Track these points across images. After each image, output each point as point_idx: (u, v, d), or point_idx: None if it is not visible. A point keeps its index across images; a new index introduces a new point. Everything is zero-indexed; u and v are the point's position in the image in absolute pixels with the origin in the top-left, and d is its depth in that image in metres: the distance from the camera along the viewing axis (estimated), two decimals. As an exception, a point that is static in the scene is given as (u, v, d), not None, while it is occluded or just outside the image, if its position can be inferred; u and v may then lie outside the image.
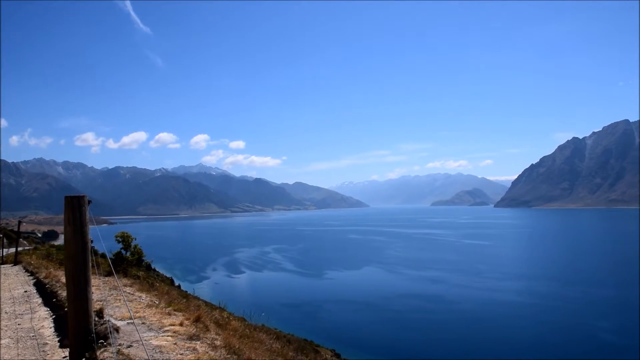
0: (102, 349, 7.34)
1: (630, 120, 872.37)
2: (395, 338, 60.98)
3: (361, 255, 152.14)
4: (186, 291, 36.10)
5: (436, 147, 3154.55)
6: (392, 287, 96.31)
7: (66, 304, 8.46)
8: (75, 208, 6.51)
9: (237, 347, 9.32)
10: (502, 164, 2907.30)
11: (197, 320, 10.68)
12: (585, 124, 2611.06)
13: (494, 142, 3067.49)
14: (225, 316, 15.15)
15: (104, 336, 7.65)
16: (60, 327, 10.86)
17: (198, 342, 8.97)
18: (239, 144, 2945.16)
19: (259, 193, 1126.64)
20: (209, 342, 9.13)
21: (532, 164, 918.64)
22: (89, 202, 5.99)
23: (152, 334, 9.40)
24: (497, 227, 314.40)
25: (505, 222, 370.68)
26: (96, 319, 7.59)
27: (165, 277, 65.97)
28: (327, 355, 38.98)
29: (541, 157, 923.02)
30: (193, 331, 9.70)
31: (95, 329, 6.37)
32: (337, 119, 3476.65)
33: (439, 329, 64.84)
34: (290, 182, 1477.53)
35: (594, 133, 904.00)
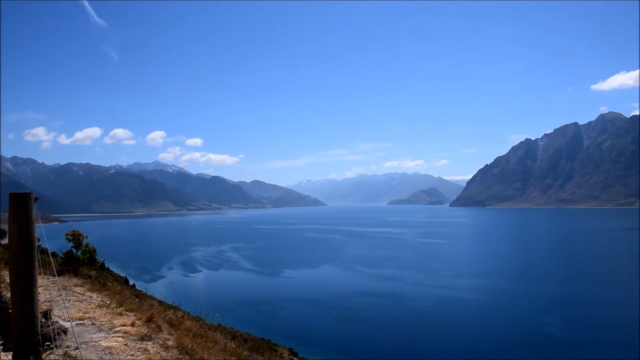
0: (48, 352, 7.07)
1: (580, 123, 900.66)
2: (353, 335, 61.32)
3: (319, 254, 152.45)
4: (140, 290, 35.49)
5: (393, 146, 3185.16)
6: (349, 285, 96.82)
7: (11, 306, 8.16)
8: (20, 205, 6.23)
9: (190, 347, 9.19)
10: (458, 164, 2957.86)
11: (150, 320, 10.49)
12: (538, 126, 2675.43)
13: (449, 142, 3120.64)
14: (179, 316, 14.92)
15: (50, 338, 7.33)
16: (4, 330, 10.49)
17: (150, 343, 8.81)
18: (196, 141, 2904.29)
19: (216, 191, 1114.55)
20: (161, 342, 8.98)
21: (487, 165, 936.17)
22: (36, 199, 5.67)
23: (102, 335, 9.16)
24: (452, 225, 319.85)
25: (460, 221, 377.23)
26: (43, 320, 7.26)
27: (119, 276, 64.50)
28: (284, 354, 38.90)
29: (495, 157, 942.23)
30: (145, 331, 9.52)
31: (41, 331, 6.07)
32: (296, 117, 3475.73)
33: (396, 325, 65.54)
34: (248, 180, 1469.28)
35: (545, 135, 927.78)
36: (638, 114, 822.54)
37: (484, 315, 71.31)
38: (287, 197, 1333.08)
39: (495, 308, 75.74)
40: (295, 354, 42.37)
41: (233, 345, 14.08)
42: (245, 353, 14.25)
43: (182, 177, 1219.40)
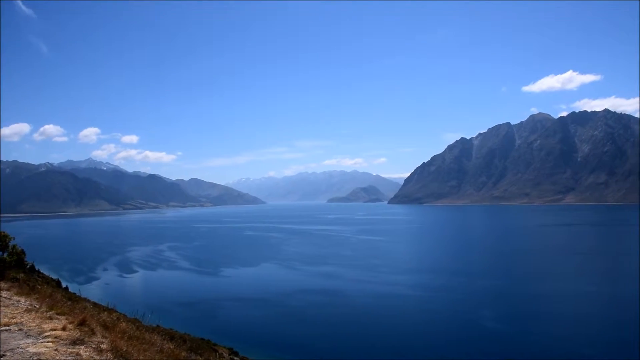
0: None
1: (512, 123, 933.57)
2: (294, 333, 61.24)
3: (258, 252, 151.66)
4: (74, 293, 34.16)
5: (333, 144, 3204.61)
6: (289, 283, 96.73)
7: None
8: None
9: (125, 349, 8.81)
10: (396, 162, 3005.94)
11: (82, 323, 10.01)
12: (473, 125, 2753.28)
13: (388, 141, 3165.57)
14: (114, 318, 14.40)
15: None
16: None
17: (82, 347, 8.37)
18: (132, 138, 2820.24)
19: (153, 189, 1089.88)
20: (94, 346, 8.56)
21: (424, 163, 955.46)
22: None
23: (30, 340, 8.61)
24: (390, 222, 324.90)
25: (398, 218, 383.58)
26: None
27: (51, 278, 61.90)
28: (224, 354, 38.39)
29: (432, 156, 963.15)
30: (77, 335, 9.06)
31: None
32: (234, 114, 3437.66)
33: (336, 322, 65.80)
34: (186, 178, 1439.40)
35: (480, 134, 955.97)
36: (565, 115, 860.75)
37: (422, 311, 72.71)
38: (226, 196, 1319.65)
39: (434, 303, 77.36)
40: (236, 354, 41.83)
41: (171, 346, 13.72)
42: (183, 354, 13.94)
43: (117, 175, 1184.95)
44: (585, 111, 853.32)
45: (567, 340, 57.41)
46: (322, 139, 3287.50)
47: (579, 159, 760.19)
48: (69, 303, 15.05)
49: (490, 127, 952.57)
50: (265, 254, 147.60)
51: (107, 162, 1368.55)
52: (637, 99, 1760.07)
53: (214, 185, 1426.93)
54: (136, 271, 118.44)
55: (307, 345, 56.47)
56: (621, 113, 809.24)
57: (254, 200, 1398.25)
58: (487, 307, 74.24)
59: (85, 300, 29.66)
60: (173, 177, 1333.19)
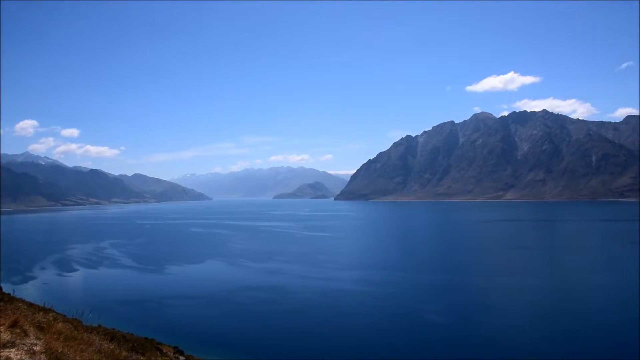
0: None
1: (455, 122, 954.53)
2: (240, 330, 60.69)
3: (203, 249, 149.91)
4: (8, 293, 32.77)
5: (279, 140, 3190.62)
6: (235, 280, 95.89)
7: None
8: None
9: (60, 351, 8.40)
10: (342, 158, 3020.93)
11: (14, 325, 9.51)
12: (418, 123, 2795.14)
13: (334, 137, 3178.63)
14: (50, 318, 13.82)
15: None
16: None
17: (13, 350, 8.13)
18: (73, 131, 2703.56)
19: (95, 185, 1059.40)
20: (26, 348, 8.20)
21: (370, 159, 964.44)
22: None
23: (-45, 344, 8.12)
24: (336, 219, 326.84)
25: (344, 214, 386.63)
26: None
27: (-16, 277, 59.67)
28: (169, 353, 37.72)
29: (378, 153, 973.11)
30: (7, 338, 8.57)
31: None
32: (179, 109, 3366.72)
33: (281, 319, 65.60)
34: (129, 173, 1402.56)
35: (424, 132, 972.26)
36: (506, 114, 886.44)
37: (368, 306, 73.24)
38: (170, 191, 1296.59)
39: (379, 298, 78.14)
40: (181, 352, 41.15)
41: (111, 346, 13.27)
42: (124, 353, 13.51)
43: (56, 170, 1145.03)
44: (525, 111, 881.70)
45: (509, 330, 59.13)
46: (268, 135, 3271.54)
47: (519, 157, 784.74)
48: (0, 304, 14.37)
49: (435, 125, 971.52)
50: (210, 250, 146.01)
51: (45, 157, 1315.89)
52: (573, 100, 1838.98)
53: (158, 180, 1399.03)
54: (76, 269, 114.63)
55: (253, 342, 56.09)
56: (558, 114, 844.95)
57: (200, 197, 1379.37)
58: (430, 301, 75.61)
59: (20, 300, 28.50)
60: (116, 173, 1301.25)
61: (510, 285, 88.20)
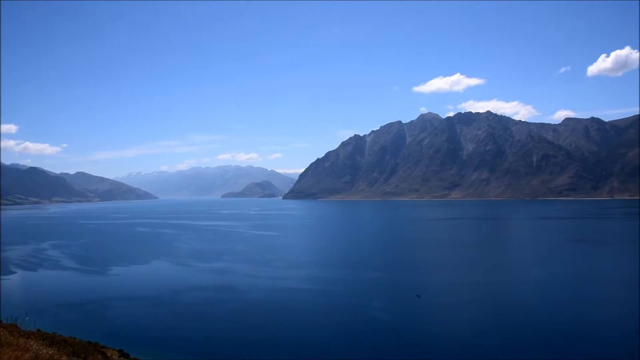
0: None
1: (403, 122, 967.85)
2: (187, 331, 59.68)
3: (149, 249, 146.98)
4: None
5: (227, 139, 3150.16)
6: (182, 280, 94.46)
7: None
8: None
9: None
10: (291, 157, 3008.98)
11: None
12: (366, 123, 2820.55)
13: (283, 136, 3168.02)
14: (-16, 324, 13.06)
15: None
16: None
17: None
18: (10, 127, 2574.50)
19: (34, 184, 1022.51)
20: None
21: (318, 159, 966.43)
22: None
23: None
24: (284, 218, 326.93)
25: (293, 213, 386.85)
26: None
27: None
28: (114, 356, 36.64)
29: (326, 152, 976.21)
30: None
31: None
32: (124, 105, 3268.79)
33: (230, 319, 65.03)
34: (72, 171, 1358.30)
35: (372, 132, 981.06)
36: (452, 115, 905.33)
37: (315, 304, 73.70)
38: (115, 190, 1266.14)
39: (326, 296, 78.65)
40: (127, 355, 40.06)
41: (50, 351, 12.72)
42: (64, 358, 12.96)
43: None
44: (470, 112, 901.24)
45: (452, 327, 60.32)
46: (216, 133, 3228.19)
47: (464, 157, 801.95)
48: None
49: (383, 125, 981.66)
50: (156, 250, 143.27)
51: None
52: (516, 102, 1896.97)
53: (102, 179, 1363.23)
54: (14, 272, 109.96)
55: (201, 343, 55.33)
56: (501, 115, 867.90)
57: (146, 195, 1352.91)
58: (377, 298, 76.47)
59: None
60: (57, 171, 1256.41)
61: (454, 282, 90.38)
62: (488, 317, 64.89)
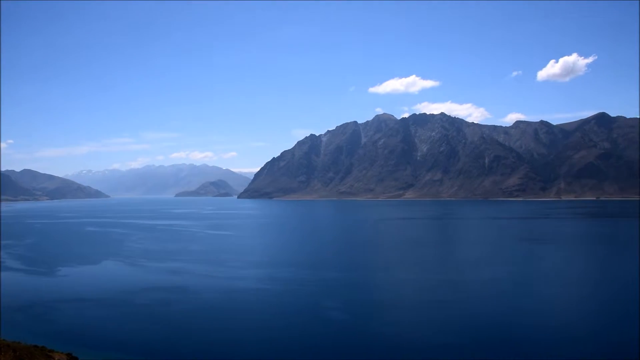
0: None
1: (359, 122, 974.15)
2: (139, 334, 58.37)
3: (100, 249, 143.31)
4: None
5: (182, 137, 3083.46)
6: (134, 281, 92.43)
7: None
8: None
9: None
10: (246, 156, 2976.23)
11: None
12: (322, 122, 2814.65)
13: (238, 135, 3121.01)
14: None
15: None
16: None
17: None
18: None
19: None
20: None
21: (274, 158, 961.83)
22: None
23: None
24: (240, 217, 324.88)
25: (248, 213, 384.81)
26: None
27: None
28: (61, 360, 35.43)
29: (282, 151, 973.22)
30: None
31: None
32: (74, 100, 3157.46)
33: (183, 320, 63.81)
34: (18, 169, 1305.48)
35: (328, 131, 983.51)
36: (407, 116, 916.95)
37: (271, 304, 73.23)
38: (64, 189, 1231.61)
39: (281, 296, 78.22)
40: (75, 358, 38.79)
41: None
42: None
43: None
44: (425, 113, 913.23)
45: (409, 326, 60.77)
46: (170, 131, 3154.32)
47: (418, 158, 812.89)
48: None
49: (339, 125, 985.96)
50: (107, 250, 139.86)
51: None
52: (469, 105, 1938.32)
53: (51, 177, 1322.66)
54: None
55: (154, 345, 54.13)
56: (455, 117, 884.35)
57: (97, 194, 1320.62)
58: (333, 298, 76.30)
59: None
60: (2, 168, 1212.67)
61: (410, 281, 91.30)
62: (444, 316, 65.54)
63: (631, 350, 49.11)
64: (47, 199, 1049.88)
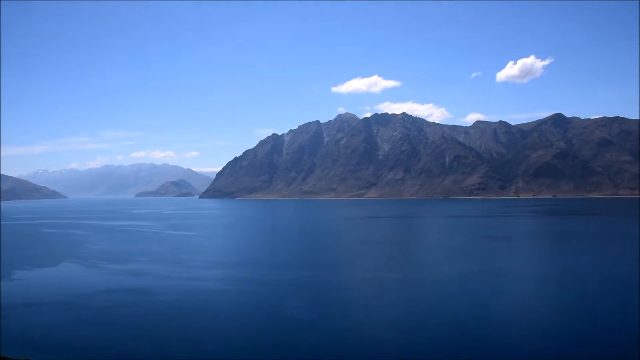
0: None
1: (321, 122, 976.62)
2: (98, 337, 57.08)
3: (57, 251, 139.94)
4: None
5: (142, 136, 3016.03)
6: (93, 283, 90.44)
7: None
8: None
9: None
10: (208, 156, 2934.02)
11: None
12: (284, 121, 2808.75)
13: (200, 134, 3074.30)
14: None
15: None
16: None
17: None
18: None
19: None
20: None
21: (236, 157, 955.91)
22: None
23: None
24: (202, 217, 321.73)
25: (210, 212, 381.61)
26: None
27: None
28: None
29: (244, 150, 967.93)
30: None
31: None
32: (29, 97, 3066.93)
33: (144, 322, 62.87)
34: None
35: (291, 131, 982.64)
36: (369, 116, 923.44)
37: (233, 304, 72.95)
38: (19, 189, 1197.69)
39: (244, 296, 78.05)
40: (31, 365, 37.74)
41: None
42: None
43: None
44: (387, 113, 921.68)
45: (372, 325, 60.98)
46: (130, 130, 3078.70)
47: (380, 157, 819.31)
48: None
49: (301, 124, 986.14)
50: (65, 252, 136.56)
51: None
52: (430, 105, 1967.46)
53: (4, 177, 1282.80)
54: None
55: (114, 347, 53.09)
56: (416, 117, 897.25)
57: (53, 194, 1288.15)
58: (295, 297, 76.31)
59: None
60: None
61: (371, 279, 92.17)
62: (406, 314, 66.14)
63: (592, 345, 50.42)
64: (1, 200, 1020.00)
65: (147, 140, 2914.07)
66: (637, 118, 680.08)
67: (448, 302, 72.12)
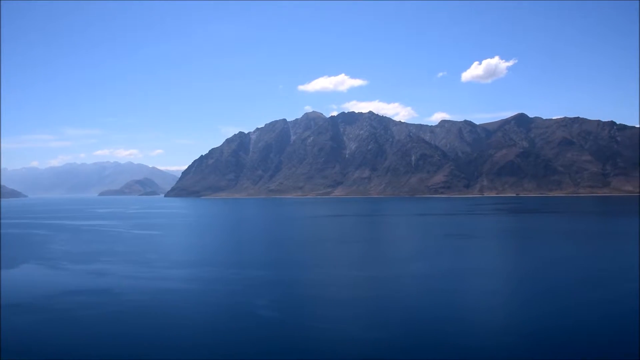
0: None
1: (288, 120, 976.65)
2: (60, 339, 56.05)
3: (18, 252, 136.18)
4: None
5: (105, 134, 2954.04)
6: (55, 285, 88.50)
7: None
8: None
9: None
10: (173, 154, 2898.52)
11: None
12: (251, 120, 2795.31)
13: (165, 132, 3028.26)
14: None
15: None
16: None
17: None
18: None
19: None
20: None
21: (202, 155, 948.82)
22: None
23: None
24: (167, 216, 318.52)
25: (176, 212, 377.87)
26: None
27: None
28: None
29: (210, 148, 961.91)
30: None
31: None
32: None
33: (108, 323, 61.85)
34: None
35: (257, 129, 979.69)
36: (336, 114, 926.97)
37: (199, 304, 72.20)
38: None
39: (210, 296, 77.43)
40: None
41: None
42: None
43: None
44: (353, 112, 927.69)
45: (338, 322, 61.15)
46: (93, 127, 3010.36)
47: (347, 156, 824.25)
48: None
49: (268, 122, 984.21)
50: (26, 253, 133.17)
51: None
52: (397, 104, 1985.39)
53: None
54: None
55: (77, 349, 52.18)
56: (383, 116, 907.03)
57: (13, 194, 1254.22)
58: (262, 296, 76.17)
59: None
60: None
61: (337, 277, 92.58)
62: (373, 312, 66.68)
63: (556, 343, 51.65)
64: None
65: (111, 138, 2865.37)
66: (597, 119, 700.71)
67: (416, 299, 73.15)
